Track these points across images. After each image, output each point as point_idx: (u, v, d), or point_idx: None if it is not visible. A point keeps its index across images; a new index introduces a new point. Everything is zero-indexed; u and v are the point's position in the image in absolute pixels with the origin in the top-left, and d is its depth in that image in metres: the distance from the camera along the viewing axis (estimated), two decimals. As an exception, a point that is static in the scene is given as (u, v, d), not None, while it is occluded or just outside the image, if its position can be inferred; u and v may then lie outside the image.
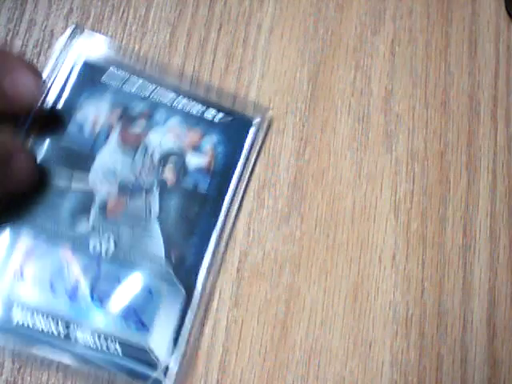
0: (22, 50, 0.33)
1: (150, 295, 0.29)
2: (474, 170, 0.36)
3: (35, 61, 0.33)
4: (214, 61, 0.35)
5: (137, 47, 0.34)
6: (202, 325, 0.31)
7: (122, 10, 0.35)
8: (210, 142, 0.32)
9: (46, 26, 0.34)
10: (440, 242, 0.34)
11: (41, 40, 0.34)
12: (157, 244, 0.30)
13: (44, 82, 0.29)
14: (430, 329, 0.33)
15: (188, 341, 0.30)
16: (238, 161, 0.32)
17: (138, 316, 0.29)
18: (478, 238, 0.35)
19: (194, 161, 0.32)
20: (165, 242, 0.30)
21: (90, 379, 0.29)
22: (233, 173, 0.32)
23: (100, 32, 0.34)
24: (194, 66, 0.35)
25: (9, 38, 0.33)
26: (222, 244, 0.32)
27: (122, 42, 0.35)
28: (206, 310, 0.31)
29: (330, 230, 0.33)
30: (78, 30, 0.32)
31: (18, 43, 0.33)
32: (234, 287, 0.32)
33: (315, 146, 0.35)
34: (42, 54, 0.34)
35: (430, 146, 0.36)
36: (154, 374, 0.29)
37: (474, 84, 0.37)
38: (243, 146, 0.33)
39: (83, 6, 0.35)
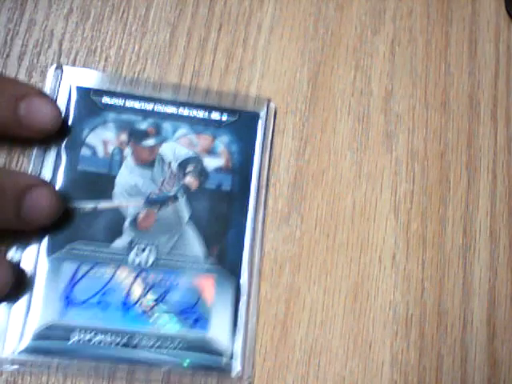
0: (22, 49, 0.33)
1: (200, 291, 0.31)
2: (474, 169, 0.36)
3: (35, 61, 0.33)
4: (213, 61, 0.35)
5: (137, 47, 0.34)
6: (255, 310, 0.32)
7: (122, 9, 0.35)
8: (222, 143, 0.33)
9: (46, 26, 0.34)
10: (440, 242, 0.34)
11: (41, 40, 0.34)
12: (194, 246, 0.31)
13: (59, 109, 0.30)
14: (429, 329, 0.33)
15: (245, 325, 0.31)
16: (253, 154, 0.33)
17: (194, 312, 0.31)
18: (478, 238, 0.35)
19: (212, 163, 0.33)
20: (203, 241, 0.32)
21: (162, 379, 0.30)
22: (251, 166, 0.33)
23: (100, 31, 0.34)
24: (194, 66, 0.35)
25: (9, 38, 0.33)
26: (258, 233, 0.32)
27: (121, 42, 0.35)
28: (255, 297, 0.32)
29: (330, 230, 0.33)
30: (59, 69, 0.33)
31: (17, 43, 0.33)
32: (234, 287, 0.32)
33: (315, 146, 0.35)
34: (41, 54, 0.34)
35: (430, 146, 0.36)
36: (223, 362, 0.30)
37: (474, 84, 0.37)
38: (255, 139, 0.34)
39: (83, 6, 0.35)
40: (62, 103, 0.32)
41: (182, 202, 0.32)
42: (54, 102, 0.30)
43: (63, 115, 0.32)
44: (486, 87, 0.37)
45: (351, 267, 0.33)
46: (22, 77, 0.33)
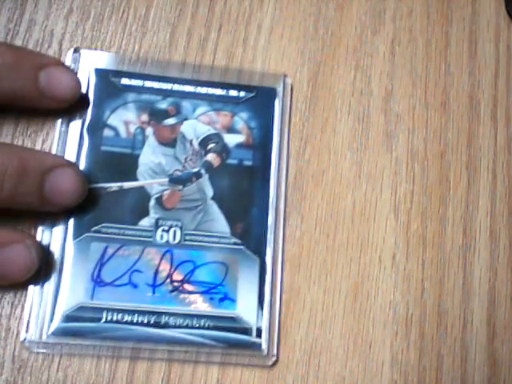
0: (22, 49, 0.33)
1: (226, 269, 0.31)
2: (474, 169, 0.36)
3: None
4: (213, 61, 0.35)
5: (137, 47, 0.34)
6: (280, 287, 0.32)
7: (122, 9, 0.35)
8: (242, 119, 0.34)
9: (46, 26, 0.34)
10: (440, 242, 0.34)
11: (41, 40, 0.34)
12: (219, 223, 0.32)
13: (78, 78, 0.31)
14: (429, 329, 0.33)
15: (271, 303, 0.31)
16: (272, 129, 0.34)
17: (220, 290, 0.31)
18: (478, 238, 0.35)
19: (233, 139, 0.33)
20: (227, 219, 0.32)
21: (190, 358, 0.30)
22: (271, 141, 0.34)
23: (100, 31, 0.34)
24: (194, 66, 0.35)
25: (9, 38, 0.33)
26: (281, 211, 0.33)
27: (121, 42, 0.35)
28: (279, 275, 0.32)
29: (330, 230, 0.33)
30: (77, 52, 0.33)
31: (17, 43, 0.33)
32: (234, 287, 0.32)
33: (315, 146, 0.35)
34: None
35: (430, 146, 0.36)
36: (251, 339, 0.30)
37: (474, 84, 0.37)
38: (273, 114, 0.34)
39: (83, 6, 0.35)
40: (82, 86, 0.32)
41: (206, 179, 0.32)
42: (73, 71, 0.31)
43: (83, 97, 0.32)
44: (486, 87, 0.37)
45: (351, 267, 0.33)
46: (22, 77, 0.33)
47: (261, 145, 0.33)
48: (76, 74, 0.31)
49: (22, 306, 0.30)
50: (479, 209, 0.35)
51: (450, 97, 0.37)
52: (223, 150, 0.33)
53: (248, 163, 0.33)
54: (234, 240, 0.32)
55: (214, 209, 0.32)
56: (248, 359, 0.30)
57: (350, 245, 0.33)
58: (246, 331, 0.30)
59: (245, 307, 0.31)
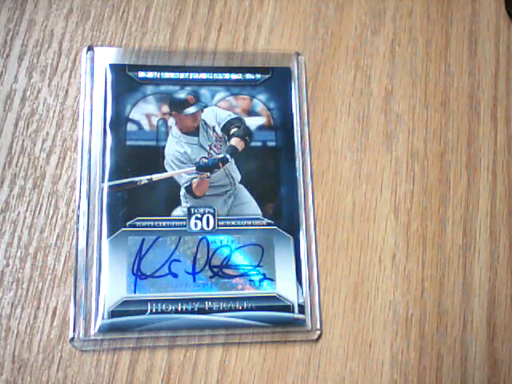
0: (22, 49, 0.33)
1: (262, 250, 0.32)
2: (474, 170, 0.36)
3: (35, 61, 0.33)
4: (214, 61, 0.35)
5: (137, 47, 0.34)
6: (316, 263, 0.32)
7: (121, 9, 0.35)
8: (261, 101, 0.34)
9: (46, 26, 0.34)
10: (440, 242, 0.34)
11: (41, 40, 0.34)
12: (251, 205, 0.32)
13: None
14: (429, 329, 0.33)
15: (309, 279, 0.32)
16: (291, 108, 0.34)
17: (259, 271, 0.31)
18: (477, 238, 0.35)
19: (254, 122, 0.34)
20: (257, 200, 0.32)
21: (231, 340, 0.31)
22: (292, 120, 0.34)
23: (100, 31, 0.34)
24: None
25: (9, 38, 0.33)
26: (309, 187, 0.33)
27: (122, 42, 0.35)
28: (314, 251, 0.33)
29: (330, 230, 0.33)
30: (91, 50, 0.33)
31: (18, 43, 0.33)
32: (234, 287, 0.32)
33: (315, 146, 0.35)
34: (41, 54, 0.34)
35: (430, 146, 0.36)
36: (294, 315, 0.31)
37: (474, 84, 0.37)
38: (291, 93, 0.35)
39: (83, 6, 0.35)
40: (99, 83, 0.33)
41: (232, 164, 0.33)
42: None
43: (102, 95, 0.32)
44: (486, 87, 0.37)
45: (351, 267, 0.33)
46: (21, 77, 0.33)
47: (282, 125, 0.34)
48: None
49: (22, 307, 0.30)
50: (479, 209, 0.35)
51: (450, 97, 0.37)
52: (246, 134, 0.33)
53: (272, 144, 0.33)
54: (266, 221, 0.32)
55: (244, 192, 0.32)
56: (293, 335, 0.31)
57: (350, 245, 0.33)
58: (288, 308, 0.31)
59: (284, 285, 0.31)
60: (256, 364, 0.31)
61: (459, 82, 0.37)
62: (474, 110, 0.37)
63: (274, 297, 0.31)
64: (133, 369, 0.30)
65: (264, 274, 0.31)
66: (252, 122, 0.34)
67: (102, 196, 0.31)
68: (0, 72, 0.33)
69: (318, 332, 0.31)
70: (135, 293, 0.30)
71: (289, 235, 0.32)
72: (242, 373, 0.31)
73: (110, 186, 0.31)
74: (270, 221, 0.32)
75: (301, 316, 0.31)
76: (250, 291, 0.31)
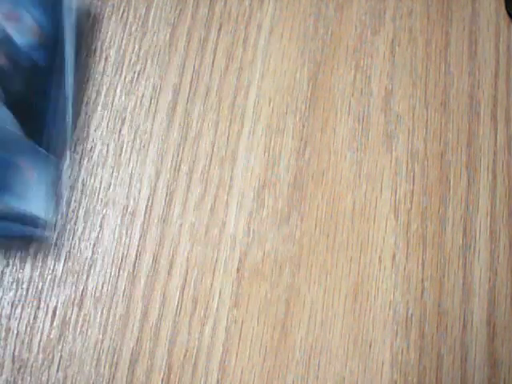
0: (22, 49, 0.33)
1: (15, 169, 0.29)
2: (474, 170, 0.36)
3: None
4: (213, 61, 0.35)
5: (137, 47, 0.34)
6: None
7: (121, 9, 0.35)
8: (30, 14, 0.31)
9: (45, 26, 0.34)
10: (440, 242, 0.34)
11: (41, 40, 0.34)
12: (10, 124, 0.30)
13: None
14: (429, 329, 0.33)
15: (68, 198, 0.31)
16: (64, 28, 0.32)
17: (9, 189, 0.29)
18: (477, 238, 0.35)
19: (21, 38, 0.31)
20: (19, 120, 0.30)
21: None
22: (64, 40, 0.32)
23: (100, 32, 0.34)
24: (194, 66, 0.35)
25: (9, 38, 0.33)
26: (82, 112, 0.32)
27: (121, 42, 0.35)
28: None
29: (330, 230, 0.33)
30: None
31: (17, 43, 0.33)
32: (234, 287, 0.32)
33: (315, 146, 0.35)
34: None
35: (430, 146, 0.36)
36: (38, 232, 0.30)
37: (474, 84, 0.37)
38: (63, 12, 0.32)
39: (83, 6, 0.35)
40: None
41: None
42: None
43: None
44: (486, 87, 0.37)
45: (351, 267, 0.33)
46: (21, 77, 0.33)
47: (53, 44, 0.31)
48: None
49: (22, 307, 0.30)
50: (479, 209, 0.35)
51: (450, 97, 0.37)
52: (10, 51, 0.30)
53: (42, 63, 0.31)
54: (26, 141, 0.30)
55: (4, 111, 0.30)
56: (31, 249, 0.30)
57: (350, 245, 0.33)
58: (34, 225, 0.30)
59: (36, 203, 0.30)
60: (256, 364, 0.31)
61: (459, 82, 0.37)
62: (473, 110, 0.37)
63: (22, 213, 0.29)
64: (133, 369, 0.30)
65: (15, 192, 0.29)
66: (19, 39, 0.30)
67: None
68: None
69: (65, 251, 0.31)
70: None
71: (51, 155, 0.30)
72: (242, 373, 0.31)
73: None
74: (31, 140, 0.30)
75: (44, 233, 0.30)
76: None
